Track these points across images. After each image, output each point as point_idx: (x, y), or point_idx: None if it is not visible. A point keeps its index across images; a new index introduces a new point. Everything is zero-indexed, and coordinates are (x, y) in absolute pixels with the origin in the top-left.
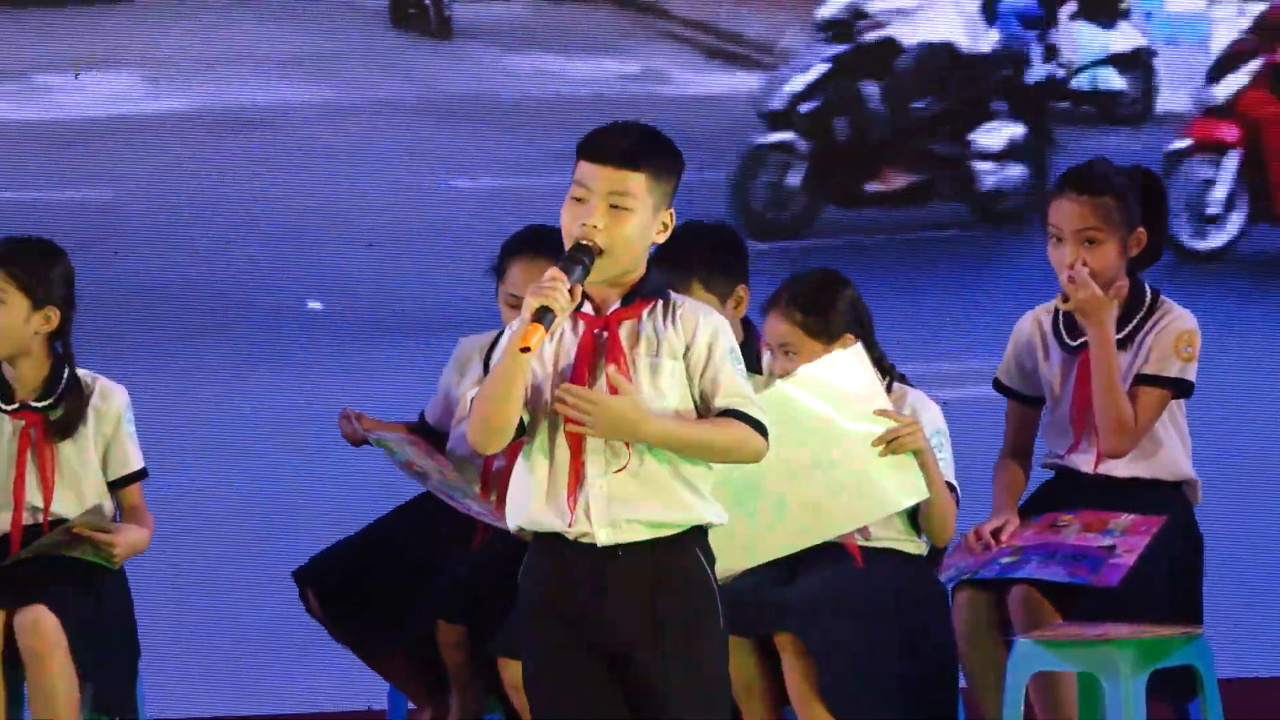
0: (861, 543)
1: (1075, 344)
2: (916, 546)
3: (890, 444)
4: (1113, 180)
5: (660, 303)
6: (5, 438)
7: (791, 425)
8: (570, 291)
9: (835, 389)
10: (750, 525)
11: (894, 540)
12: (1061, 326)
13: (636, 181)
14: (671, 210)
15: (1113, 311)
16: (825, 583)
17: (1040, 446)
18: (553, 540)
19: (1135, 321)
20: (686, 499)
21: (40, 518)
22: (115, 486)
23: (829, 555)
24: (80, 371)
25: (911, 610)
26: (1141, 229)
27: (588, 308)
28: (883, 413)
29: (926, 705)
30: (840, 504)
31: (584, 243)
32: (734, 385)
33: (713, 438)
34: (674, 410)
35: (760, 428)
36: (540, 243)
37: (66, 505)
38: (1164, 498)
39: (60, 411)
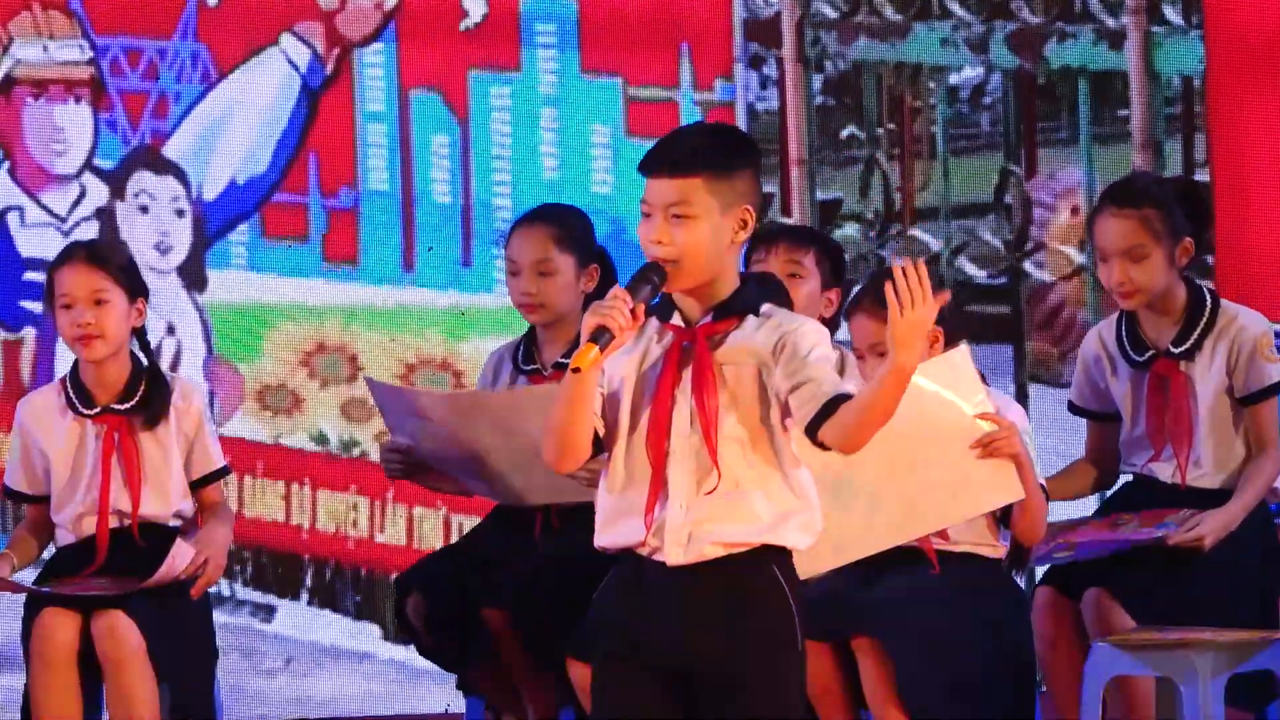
0: (940, 546)
1: (1142, 359)
2: (994, 550)
3: (988, 447)
4: (1152, 192)
5: (752, 318)
6: (89, 442)
7: (891, 426)
8: (633, 311)
9: (939, 388)
10: (843, 522)
11: (973, 544)
12: (1126, 342)
13: (693, 188)
14: (749, 207)
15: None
16: (904, 586)
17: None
18: (628, 556)
19: (1200, 330)
20: (770, 522)
21: (127, 521)
22: (196, 485)
23: (906, 559)
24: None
25: (989, 613)
26: (1189, 239)
27: (677, 319)
28: (984, 415)
29: (1003, 709)
30: (934, 502)
31: (655, 261)
32: (833, 380)
33: (869, 410)
34: (749, 432)
35: None
36: (539, 215)
37: (153, 507)
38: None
39: (145, 404)
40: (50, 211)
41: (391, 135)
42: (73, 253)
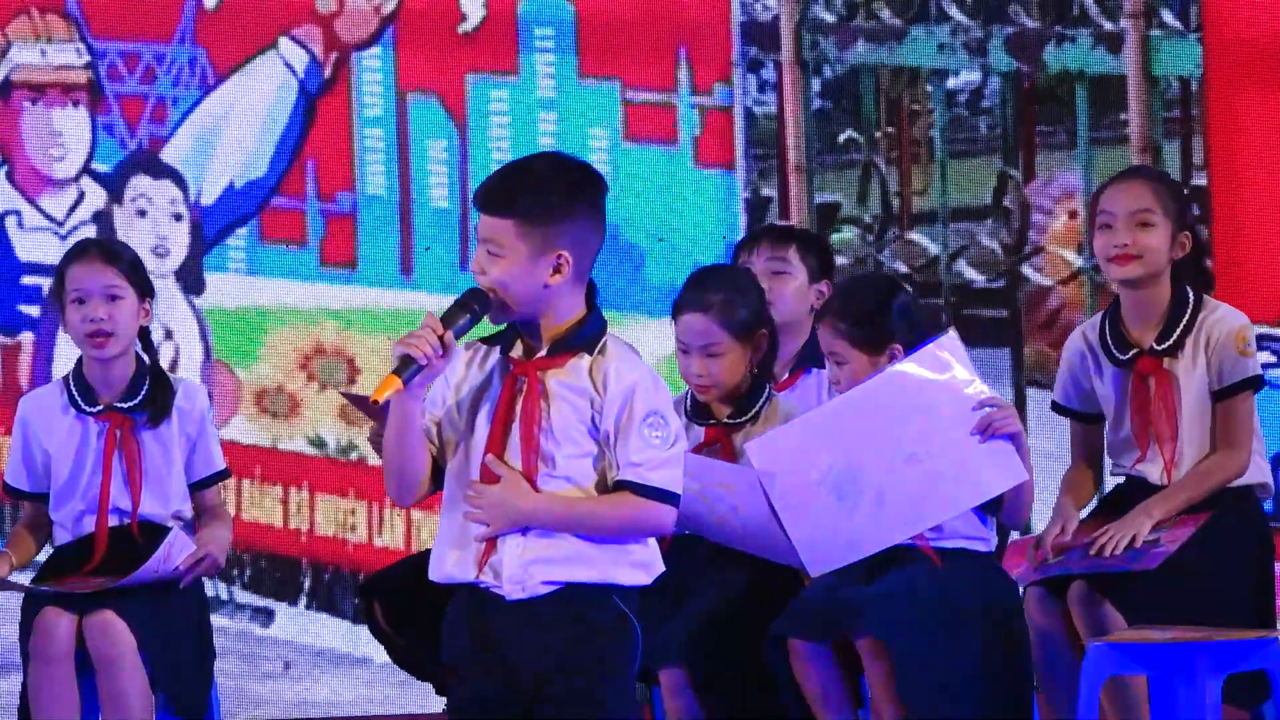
0: (933, 542)
1: (1126, 358)
2: (984, 544)
3: (988, 429)
4: (1161, 174)
5: (589, 356)
6: (90, 440)
7: (889, 420)
8: (443, 340)
9: (933, 380)
10: (852, 522)
11: (964, 539)
12: (1110, 340)
13: (504, 229)
14: (564, 254)
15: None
16: (903, 583)
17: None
18: (465, 591)
19: (1182, 325)
20: (605, 561)
21: (127, 520)
22: (195, 487)
23: (903, 557)
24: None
25: (988, 610)
26: (1187, 233)
27: (518, 350)
28: (982, 400)
29: (1003, 706)
30: (940, 493)
31: (479, 288)
32: (638, 454)
33: (604, 518)
34: (579, 477)
35: (663, 495)
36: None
37: (152, 507)
38: (1236, 501)
39: (149, 403)
40: (48, 215)
41: (389, 139)
42: (86, 248)
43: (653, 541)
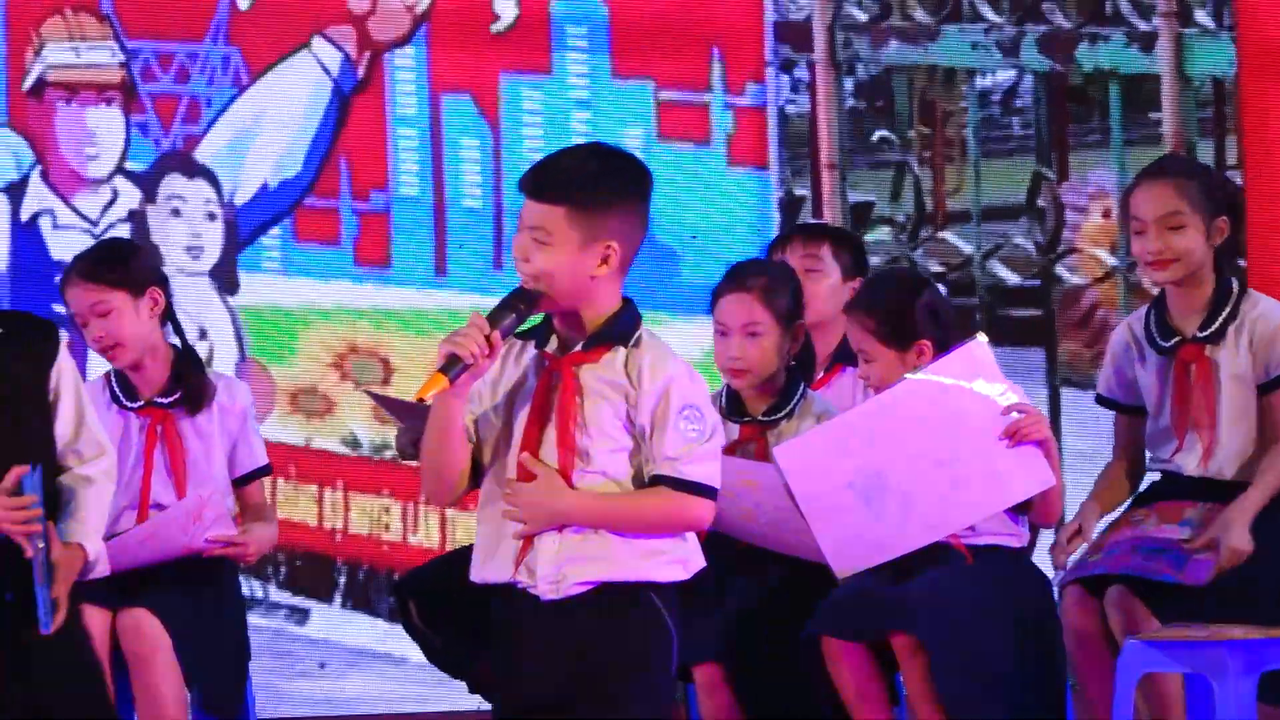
0: (966, 540)
1: (1169, 345)
2: (1016, 539)
3: (1016, 434)
4: (1187, 165)
5: (623, 349)
6: (132, 435)
7: (916, 425)
8: (490, 339)
9: (960, 382)
10: (878, 525)
11: (995, 535)
12: (1154, 329)
13: (554, 216)
14: (613, 244)
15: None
16: (938, 581)
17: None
18: (502, 592)
19: (1224, 315)
20: (641, 558)
21: None
22: (239, 483)
23: (936, 554)
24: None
25: (1021, 606)
26: (1223, 218)
27: (553, 345)
28: (1011, 406)
29: (1038, 703)
30: (968, 496)
31: (521, 286)
32: (674, 448)
33: (641, 513)
34: (616, 472)
35: (700, 489)
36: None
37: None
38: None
39: (186, 394)
40: (82, 215)
41: (423, 139)
42: (68, 272)
43: (691, 536)
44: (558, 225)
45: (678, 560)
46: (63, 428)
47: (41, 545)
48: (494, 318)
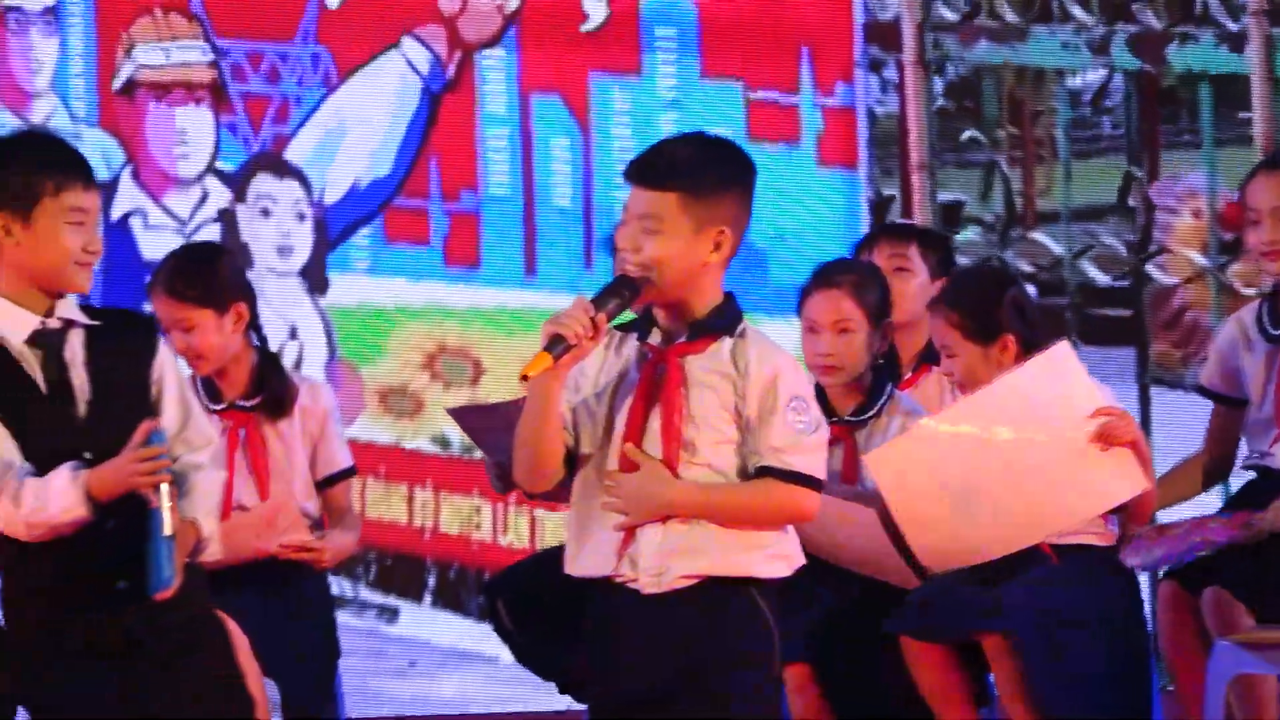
0: (1052, 541)
1: (1277, 332)
2: (1105, 538)
3: (1106, 437)
4: None
5: (729, 339)
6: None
7: (1005, 429)
8: (595, 323)
9: (1047, 387)
10: (972, 531)
11: (1082, 534)
12: (1266, 319)
13: (666, 203)
14: (725, 229)
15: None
16: (1026, 582)
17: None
18: (600, 585)
19: None
20: (744, 552)
21: None
22: (322, 486)
23: (1021, 554)
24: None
25: (1109, 606)
26: None
27: (656, 337)
28: (1101, 410)
29: (1127, 703)
30: (1060, 502)
31: (625, 274)
32: (780, 439)
33: (746, 505)
34: (721, 463)
35: (805, 481)
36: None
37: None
38: None
39: (267, 397)
40: (172, 214)
41: (512, 139)
42: (154, 281)
43: (793, 531)
44: (670, 212)
45: (781, 556)
46: (169, 419)
47: (168, 504)
48: (599, 301)
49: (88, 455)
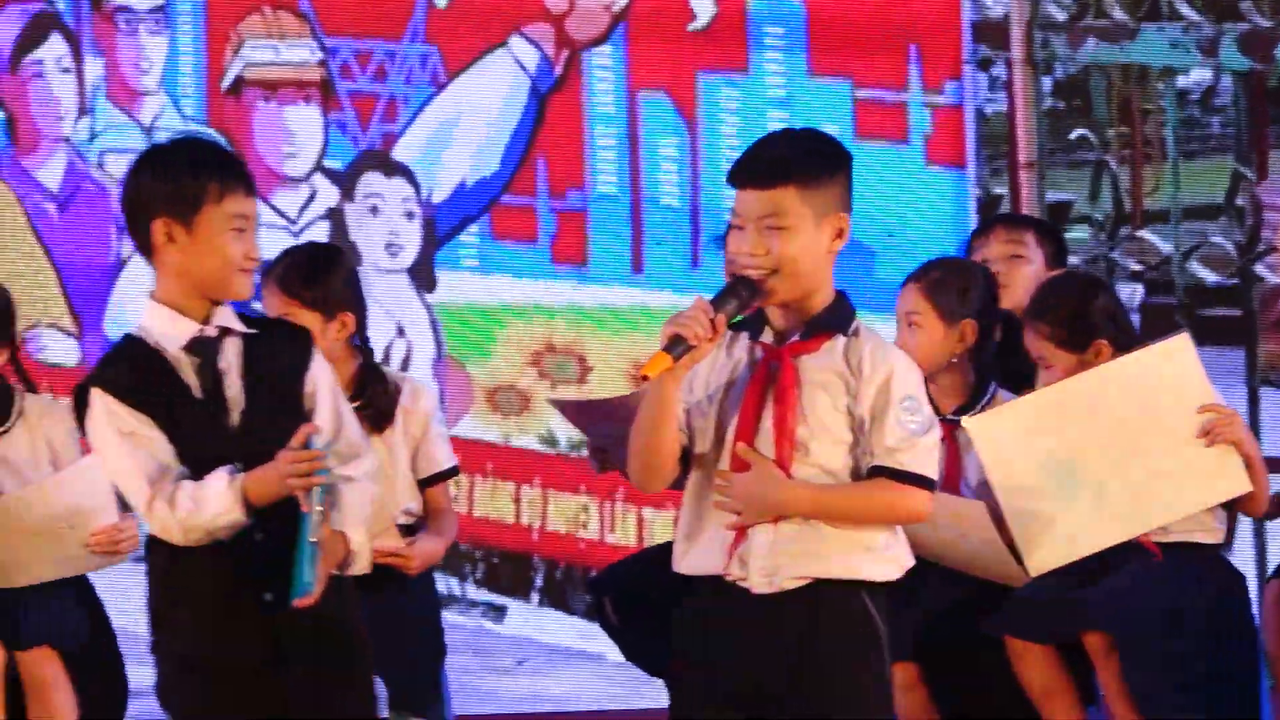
0: (1157, 538)
1: None
2: (1212, 535)
3: (1210, 434)
4: None
5: (843, 338)
6: None
7: (1113, 412)
8: (714, 323)
9: (1159, 378)
10: (1071, 515)
11: (1189, 532)
12: None
13: (785, 197)
14: (844, 215)
15: None
16: (1130, 580)
17: None
18: (709, 583)
19: None
20: (855, 554)
21: None
22: (423, 485)
23: (1124, 551)
24: (387, 370)
25: (1214, 605)
26: None
27: (768, 336)
28: (1208, 406)
29: (1232, 703)
30: (1161, 493)
31: (744, 275)
32: (894, 440)
33: (860, 505)
34: (833, 464)
35: (918, 481)
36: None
37: (379, 504)
38: None
39: (368, 409)
40: (281, 213)
41: (620, 137)
42: (268, 273)
43: (902, 533)
44: (791, 205)
45: (891, 558)
46: (321, 429)
47: (319, 508)
48: (718, 302)
49: (238, 464)
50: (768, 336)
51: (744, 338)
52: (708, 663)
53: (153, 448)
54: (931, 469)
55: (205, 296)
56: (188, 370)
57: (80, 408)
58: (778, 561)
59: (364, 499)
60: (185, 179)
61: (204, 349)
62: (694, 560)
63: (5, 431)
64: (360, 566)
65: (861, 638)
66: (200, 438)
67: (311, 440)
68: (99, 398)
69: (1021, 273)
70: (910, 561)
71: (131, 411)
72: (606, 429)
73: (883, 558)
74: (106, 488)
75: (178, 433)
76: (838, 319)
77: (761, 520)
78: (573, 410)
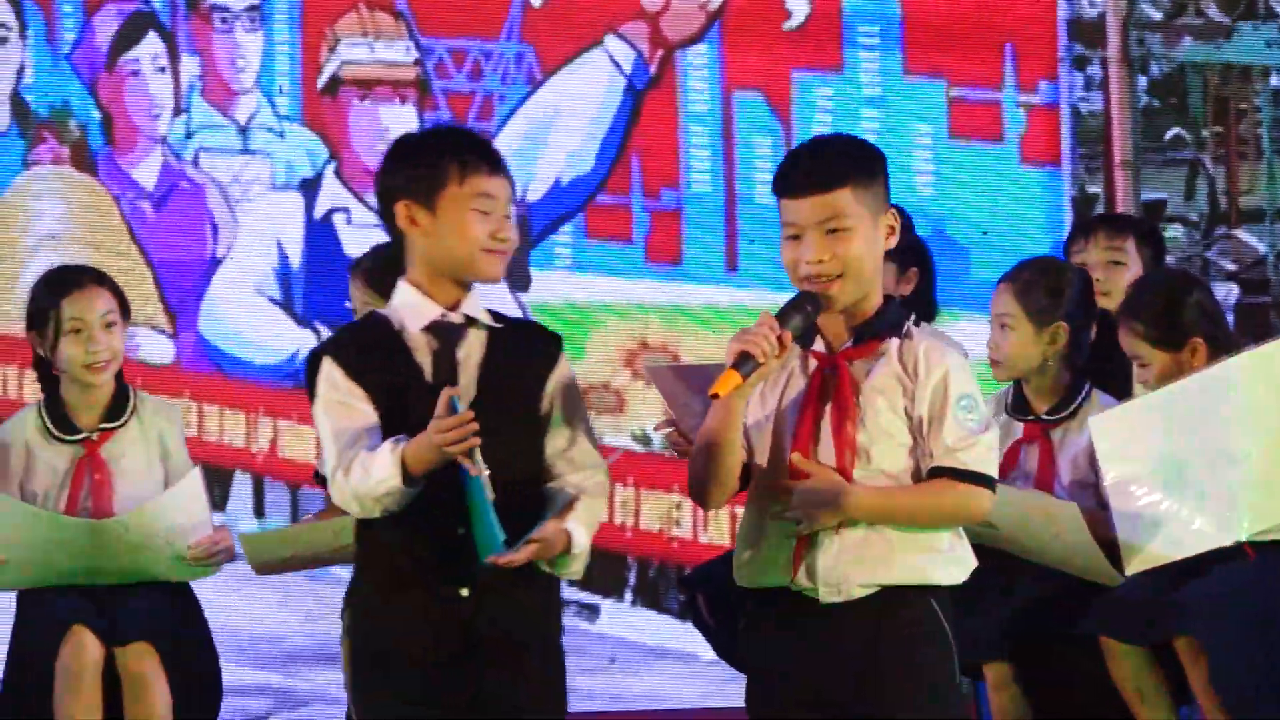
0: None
1: None
2: None
3: None
4: None
5: (896, 341)
6: None
7: (1221, 415)
8: (780, 340)
9: (1267, 380)
10: (1176, 517)
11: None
12: None
13: (843, 199)
14: (892, 209)
15: None
16: (1218, 582)
17: None
18: (775, 594)
19: None
20: (921, 559)
21: None
22: None
23: (1218, 552)
24: None
25: None
26: None
27: (819, 345)
28: None
29: None
30: (1258, 501)
31: (810, 291)
32: (953, 439)
33: (922, 505)
34: (894, 467)
35: (980, 479)
36: None
37: None
38: None
39: None
40: (376, 212)
41: (714, 136)
42: (355, 265)
43: (965, 536)
44: (850, 207)
45: (956, 560)
46: (556, 435)
47: (485, 470)
48: (783, 318)
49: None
50: (819, 345)
51: (795, 347)
52: (775, 673)
53: (357, 421)
54: (992, 467)
55: (453, 279)
56: (423, 352)
57: (311, 373)
58: (845, 570)
59: (594, 512)
60: (425, 162)
61: (444, 334)
62: (756, 573)
63: (121, 426)
64: (576, 570)
65: (930, 644)
66: (418, 422)
67: (454, 402)
68: (326, 363)
69: (1122, 278)
70: (974, 562)
71: (351, 384)
72: (697, 406)
73: (949, 559)
74: (203, 505)
75: (401, 414)
76: (890, 322)
77: (825, 526)
78: (668, 382)
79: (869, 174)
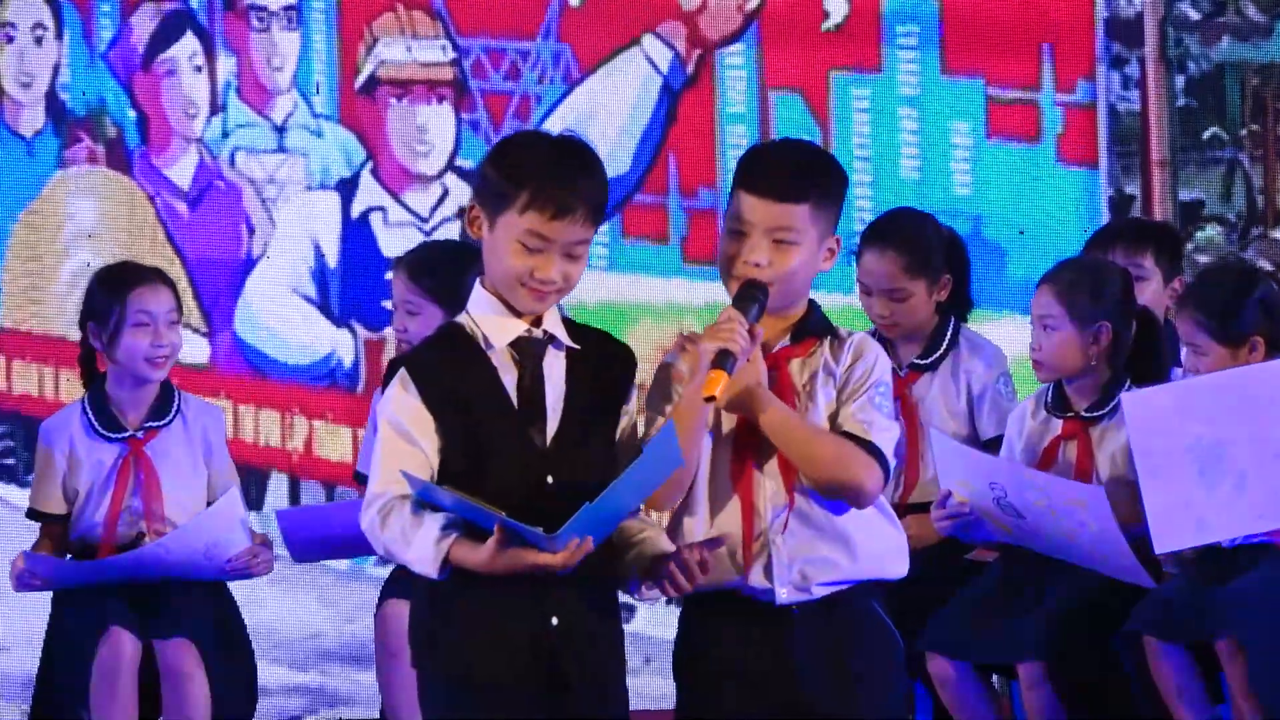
0: None
1: None
2: None
3: None
4: None
5: (829, 339)
6: None
7: (1266, 409)
8: (750, 332)
9: None
10: (1208, 500)
11: None
12: None
13: (800, 214)
14: (838, 236)
15: None
16: (1256, 583)
17: None
18: (729, 594)
19: None
20: (875, 551)
21: None
22: None
23: (1256, 553)
24: None
25: None
26: None
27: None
28: None
29: None
30: None
31: (756, 279)
32: (864, 415)
33: (822, 445)
34: None
35: (879, 456)
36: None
37: None
38: None
39: None
40: (413, 211)
41: (752, 136)
42: (399, 260)
43: (903, 536)
44: (803, 223)
45: (902, 554)
46: (625, 456)
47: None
48: (744, 310)
49: (550, 479)
50: None
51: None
52: (740, 676)
53: (411, 460)
54: (889, 451)
55: None
56: (507, 369)
57: (387, 379)
58: (803, 570)
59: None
60: (506, 174)
61: (529, 349)
62: (711, 574)
63: (166, 425)
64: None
65: (881, 643)
66: (503, 445)
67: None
68: (401, 378)
69: (1142, 294)
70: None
71: (421, 406)
72: None
73: (896, 553)
74: (239, 523)
75: (474, 429)
76: (821, 323)
77: (739, 391)
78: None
79: (830, 195)
